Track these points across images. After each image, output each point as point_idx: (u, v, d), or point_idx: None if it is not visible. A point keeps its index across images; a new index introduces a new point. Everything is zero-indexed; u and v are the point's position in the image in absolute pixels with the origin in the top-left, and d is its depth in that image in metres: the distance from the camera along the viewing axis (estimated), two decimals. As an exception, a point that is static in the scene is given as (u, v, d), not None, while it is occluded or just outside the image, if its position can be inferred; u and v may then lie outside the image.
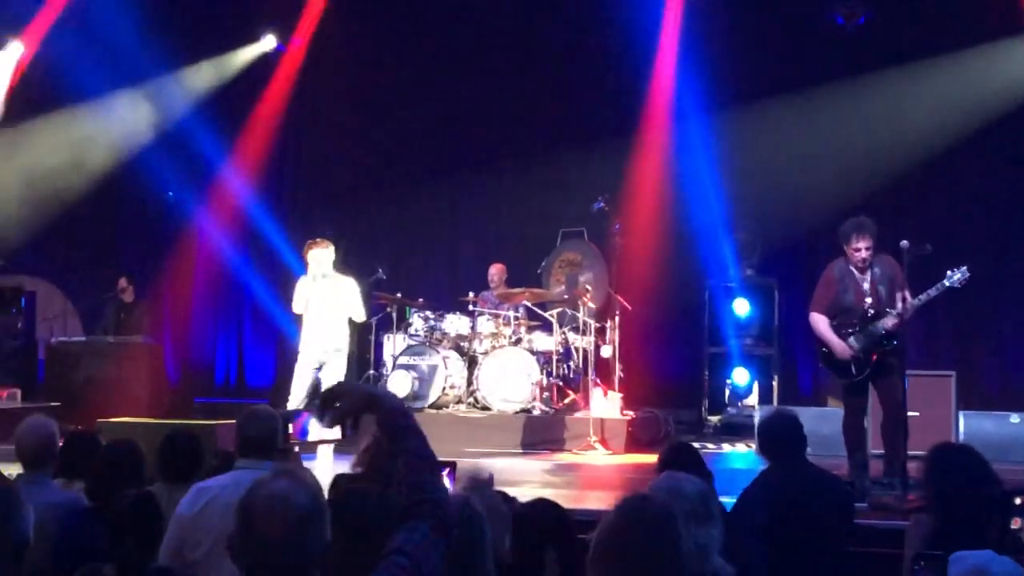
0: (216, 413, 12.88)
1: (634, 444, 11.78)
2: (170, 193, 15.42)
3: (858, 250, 8.35)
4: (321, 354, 10.23)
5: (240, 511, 2.65)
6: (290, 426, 3.03)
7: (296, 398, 10.20)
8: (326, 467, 8.70)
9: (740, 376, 13.54)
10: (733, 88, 13.59)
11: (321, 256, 10.28)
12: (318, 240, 10.50)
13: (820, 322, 8.55)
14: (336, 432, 2.97)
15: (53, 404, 12.57)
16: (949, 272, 8.14)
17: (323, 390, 3.03)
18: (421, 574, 2.70)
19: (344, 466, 6.08)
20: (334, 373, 10.22)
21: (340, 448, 8.94)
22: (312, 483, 2.70)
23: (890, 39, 13.43)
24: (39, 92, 15.03)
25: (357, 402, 2.97)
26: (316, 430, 4.88)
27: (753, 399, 13.52)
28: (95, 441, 5.92)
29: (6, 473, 5.83)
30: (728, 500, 5.62)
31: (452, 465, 5.47)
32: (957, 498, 4.62)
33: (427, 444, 2.93)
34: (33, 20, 14.89)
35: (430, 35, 15.06)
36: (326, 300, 10.24)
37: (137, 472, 5.19)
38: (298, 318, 10.59)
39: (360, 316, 10.53)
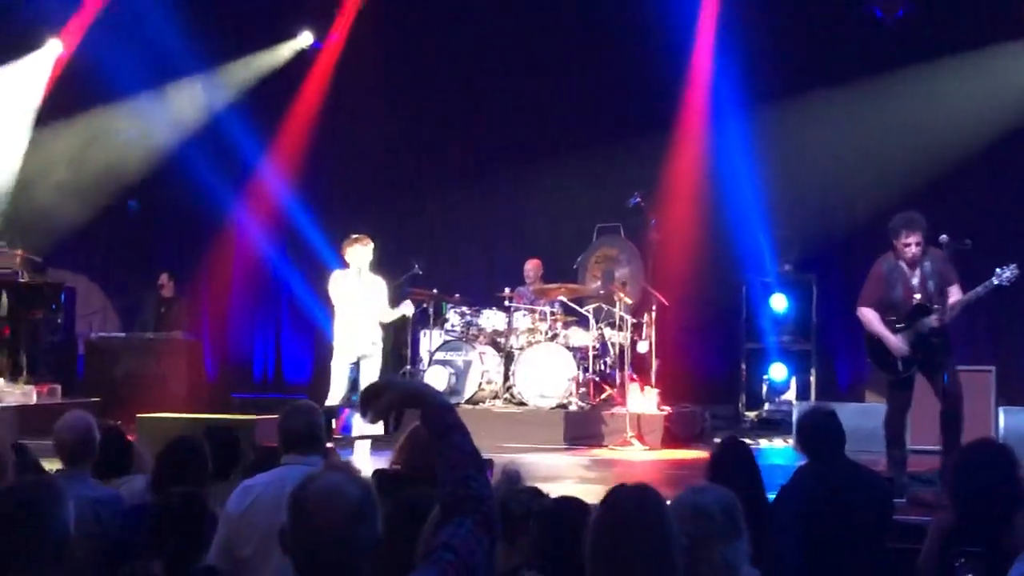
0: (254, 408, 12.94)
1: (671, 440, 11.74)
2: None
3: (908, 245, 8.27)
4: (359, 350, 10.31)
5: (293, 505, 2.65)
6: (333, 422, 3.02)
7: (336, 395, 10.23)
8: (364, 462, 8.72)
9: (778, 372, 13.49)
10: (770, 82, 13.51)
11: (363, 253, 10.44)
12: (360, 236, 10.59)
13: (871, 317, 8.45)
14: (379, 427, 2.96)
15: (93, 399, 12.66)
16: (998, 270, 8.03)
17: (366, 386, 3.02)
18: (468, 570, 2.69)
19: (382, 462, 6.10)
20: (373, 368, 10.29)
21: (378, 444, 8.98)
22: (363, 477, 2.70)
23: (929, 32, 13.32)
24: (78, 90, 15.15)
25: (400, 397, 2.96)
26: (359, 426, 4.91)
27: (791, 395, 13.47)
28: (124, 438, 5.96)
29: (46, 469, 5.89)
30: (771, 495, 5.61)
31: (489, 463, 5.46)
32: (976, 496, 4.59)
33: (471, 440, 2.92)
34: (72, 19, 15.01)
35: (465, 30, 15.06)
36: (365, 297, 10.34)
37: (200, 469, 5.21)
38: (331, 313, 10.65)
39: (387, 317, 10.68)
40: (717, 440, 7.41)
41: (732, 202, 13.67)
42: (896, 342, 8.27)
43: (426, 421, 2.93)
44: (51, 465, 6.05)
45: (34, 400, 11.79)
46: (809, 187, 13.35)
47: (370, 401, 2.96)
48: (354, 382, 10.31)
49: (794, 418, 11.50)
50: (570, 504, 4.19)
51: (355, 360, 10.36)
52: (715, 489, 3.73)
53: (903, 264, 8.35)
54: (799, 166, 13.43)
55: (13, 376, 11.89)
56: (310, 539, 2.60)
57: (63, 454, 5.37)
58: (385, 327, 14.12)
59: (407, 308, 10.90)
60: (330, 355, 10.50)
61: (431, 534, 2.81)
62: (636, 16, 13.83)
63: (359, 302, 10.40)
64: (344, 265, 10.65)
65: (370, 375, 10.40)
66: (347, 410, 9.24)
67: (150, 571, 4.07)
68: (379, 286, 10.58)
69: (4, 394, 11.59)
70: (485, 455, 2.97)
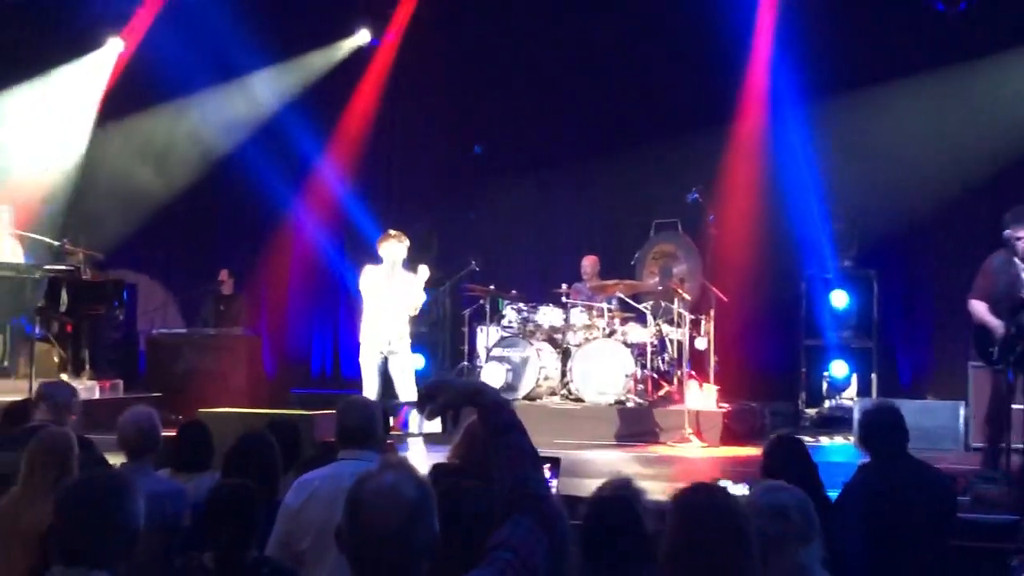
0: (312, 404, 13.01)
1: (730, 437, 11.67)
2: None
3: (1020, 239, 8.18)
4: (384, 345, 10.42)
5: (348, 503, 2.62)
6: (391, 419, 3.02)
7: (370, 390, 10.31)
8: (420, 458, 8.73)
9: (838, 368, 13.36)
10: (830, 75, 13.39)
11: (397, 249, 10.58)
12: (395, 232, 10.73)
13: (979, 308, 8.37)
14: (437, 425, 2.94)
15: (154, 395, 12.79)
16: None
17: (424, 384, 3.02)
18: (527, 569, 2.66)
19: (438, 457, 6.11)
20: (401, 363, 10.44)
21: (433, 440, 8.99)
22: (420, 475, 2.68)
23: (991, 25, 13.13)
24: (139, 88, 15.30)
25: (458, 395, 2.95)
26: (417, 423, 4.88)
27: (851, 392, 13.33)
28: (207, 432, 6.01)
29: (110, 463, 5.96)
30: (830, 493, 5.57)
31: (556, 461, 5.47)
32: None
33: (528, 438, 2.89)
34: (133, 18, 15.16)
35: (522, 25, 15.04)
36: (394, 293, 10.48)
37: (270, 464, 5.25)
38: (359, 307, 10.73)
39: (414, 308, 10.75)
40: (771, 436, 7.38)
41: (791, 197, 13.56)
42: (996, 323, 8.17)
43: (483, 419, 2.93)
44: (114, 459, 6.12)
45: (97, 395, 11.92)
46: (870, 182, 13.20)
47: (428, 399, 2.95)
48: (385, 376, 10.42)
49: (855, 415, 11.42)
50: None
51: (382, 355, 10.46)
52: (790, 489, 3.70)
53: (1017, 259, 8.24)
54: (860, 160, 13.30)
55: (76, 372, 12.02)
56: (366, 539, 2.57)
57: (127, 448, 5.43)
58: (441, 323, 14.25)
59: (423, 273, 10.88)
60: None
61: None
62: (695, 9, 13.76)
63: (386, 297, 10.51)
64: (378, 260, 10.65)
65: (399, 370, 10.52)
66: (406, 407, 9.28)
67: (202, 562, 4.11)
68: (412, 283, 10.65)
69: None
70: (550, 453, 2.96)
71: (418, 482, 2.65)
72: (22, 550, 4.61)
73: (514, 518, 2.74)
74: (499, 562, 2.65)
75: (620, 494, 4.00)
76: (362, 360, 10.58)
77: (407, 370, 10.61)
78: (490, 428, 2.89)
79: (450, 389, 2.96)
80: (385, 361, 10.47)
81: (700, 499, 3.12)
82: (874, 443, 5.72)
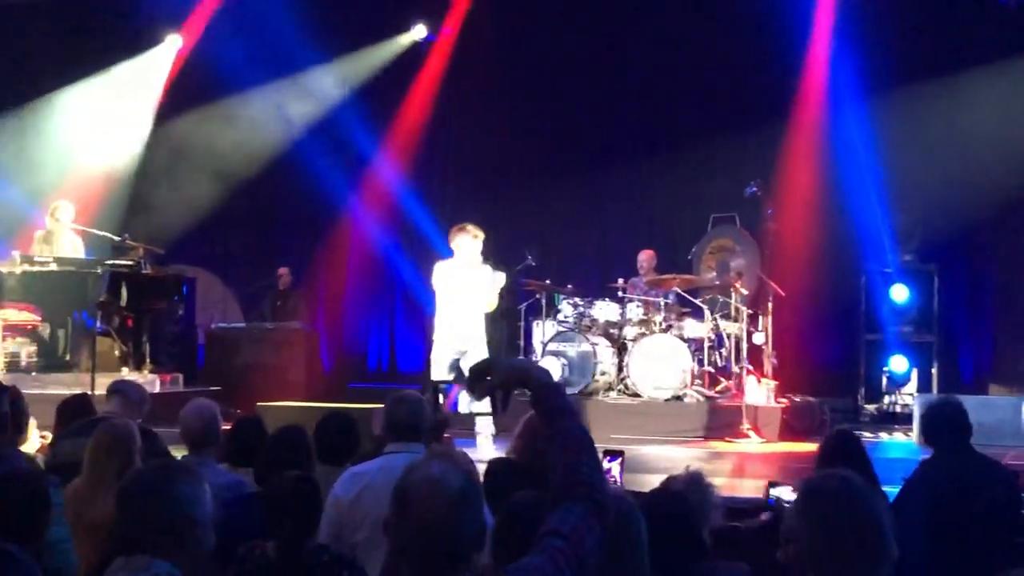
0: (369, 398, 13.06)
1: (788, 432, 11.59)
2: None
3: None
4: (460, 343, 10.10)
5: (395, 495, 2.61)
6: (441, 397, 3.01)
7: None
8: (486, 452, 8.70)
9: (898, 364, 13.21)
10: (890, 68, 13.26)
11: (469, 243, 10.23)
12: (466, 225, 10.38)
13: None
14: (487, 405, 2.89)
15: (213, 388, 12.90)
16: None
17: (474, 363, 2.98)
18: (577, 557, 2.62)
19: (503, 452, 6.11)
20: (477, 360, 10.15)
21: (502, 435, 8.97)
22: (466, 465, 2.67)
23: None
24: (197, 84, 15.45)
25: (509, 376, 2.88)
26: (466, 403, 4.83)
27: (911, 387, 13.19)
28: (261, 426, 6.06)
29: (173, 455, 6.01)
30: (889, 490, 5.51)
31: (621, 454, 5.44)
32: None
33: (582, 423, 2.82)
34: (192, 14, 15.30)
35: (579, 20, 15.01)
36: (470, 288, 10.18)
37: (306, 457, 5.28)
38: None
39: (491, 305, 10.46)
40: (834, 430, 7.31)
41: (851, 191, 13.46)
42: None
43: (535, 403, 2.86)
44: (177, 452, 6.18)
45: (157, 389, 12.03)
46: (931, 175, 13.07)
47: (477, 380, 2.90)
48: (459, 372, 10.19)
49: (915, 411, 11.30)
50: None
51: (458, 354, 10.07)
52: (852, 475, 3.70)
53: None
54: (921, 154, 13.17)
55: (137, 366, 12.14)
56: (413, 529, 2.56)
57: (189, 440, 5.48)
58: (498, 318, 14.22)
59: (500, 280, 10.54)
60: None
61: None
62: (753, 2, 13.70)
63: (462, 293, 10.18)
64: (451, 254, 10.52)
65: None
66: (456, 387, 9.17)
67: (264, 552, 4.14)
68: (487, 277, 10.33)
69: (128, 383, 11.83)
70: (618, 448, 2.93)
71: (464, 473, 2.63)
72: (88, 540, 4.66)
73: (566, 505, 2.68)
74: (550, 549, 2.61)
75: (690, 488, 4.03)
76: (435, 357, 10.21)
77: None
78: (541, 412, 2.83)
79: (500, 369, 2.90)
80: (457, 361, 10.07)
81: (831, 485, 3.07)
82: (937, 438, 5.68)
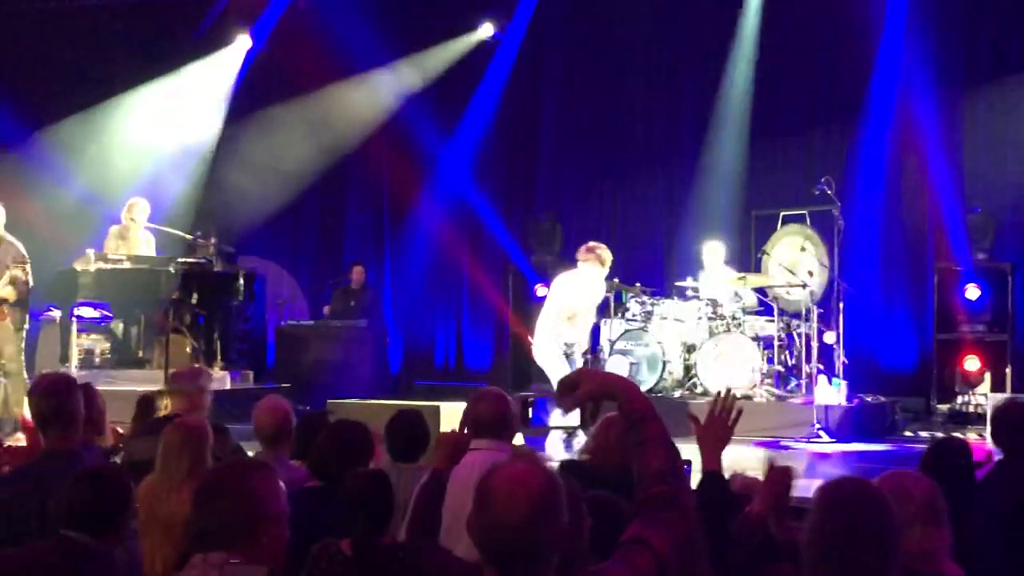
0: (436, 395, 13.10)
1: (859, 432, 11.46)
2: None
3: None
4: (565, 347, 10.31)
5: (477, 493, 2.64)
6: (530, 411, 3.03)
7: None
8: (557, 454, 8.69)
9: (971, 363, 13.02)
10: (965, 63, 13.09)
11: (597, 271, 10.63)
12: (603, 254, 10.68)
13: None
14: (575, 418, 2.91)
15: (283, 385, 13.00)
16: None
17: (562, 376, 3.00)
18: (660, 566, 2.64)
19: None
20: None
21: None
22: (550, 467, 2.67)
23: None
24: (267, 84, 15.59)
25: (597, 388, 2.91)
26: (555, 416, 4.79)
27: (985, 387, 12.99)
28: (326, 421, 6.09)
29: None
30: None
31: (689, 463, 5.41)
32: None
33: (667, 433, 2.85)
34: (261, 15, 15.43)
35: (647, 17, 14.94)
36: (588, 310, 10.50)
37: (365, 452, 5.29)
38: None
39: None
40: (939, 435, 7.24)
41: (923, 188, 13.30)
42: None
43: (623, 413, 2.89)
44: (248, 448, 6.23)
45: (228, 386, 12.16)
46: (1006, 172, 12.87)
47: (566, 392, 2.92)
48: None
49: (988, 412, 11.13)
50: None
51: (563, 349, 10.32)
52: (918, 476, 3.66)
53: None
54: (996, 151, 12.98)
55: (208, 362, 12.26)
56: (494, 529, 2.58)
57: (262, 437, 5.52)
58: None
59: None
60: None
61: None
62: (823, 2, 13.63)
63: (578, 309, 10.51)
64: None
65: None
66: (544, 399, 9.20)
67: (340, 550, 4.16)
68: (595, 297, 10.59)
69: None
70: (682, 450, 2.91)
71: (547, 474, 2.64)
72: (161, 537, 4.70)
73: (650, 511, 2.72)
74: (633, 555, 2.64)
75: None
76: (546, 353, 10.46)
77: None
78: (628, 421, 2.85)
79: (589, 381, 2.92)
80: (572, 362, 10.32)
81: (847, 490, 3.07)
82: (1011, 439, 5.57)
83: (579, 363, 10.40)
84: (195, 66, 15.60)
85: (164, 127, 15.39)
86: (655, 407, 2.92)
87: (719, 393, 3.95)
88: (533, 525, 2.55)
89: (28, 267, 10.70)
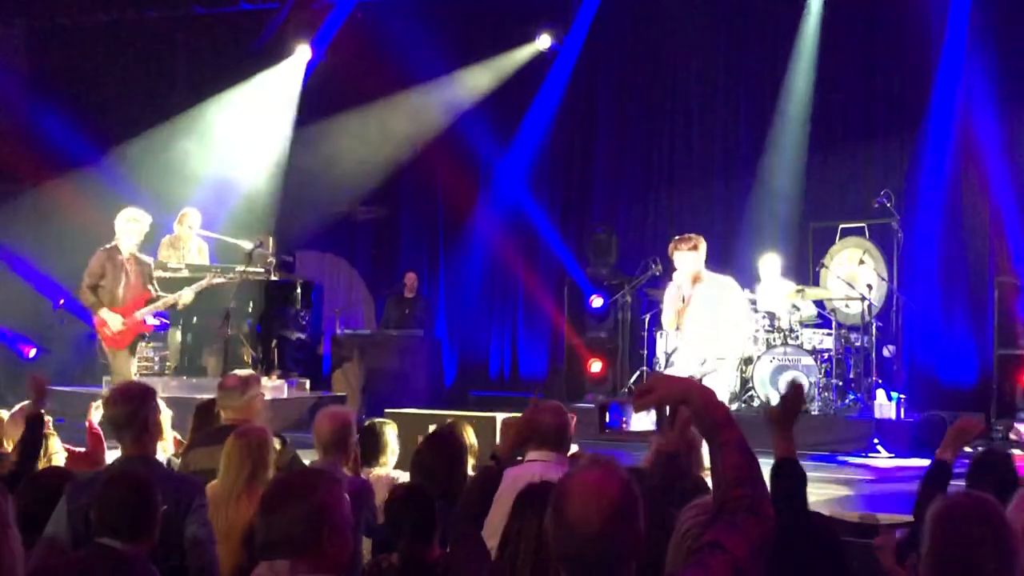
0: (491, 406, 13.12)
1: (918, 448, 11.34)
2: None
3: None
4: (696, 367, 9.25)
5: (554, 498, 2.64)
6: (606, 415, 3.03)
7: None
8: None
9: (1031, 380, 12.85)
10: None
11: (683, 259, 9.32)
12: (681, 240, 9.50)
13: None
14: (651, 422, 2.92)
15: (338, 395, 13.08)
16: None
17: (639, 380, 3.03)
18: (739, 569, 2.63)
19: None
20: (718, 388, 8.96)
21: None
22: (627, 474, 2.68)
23: None
24: (326, 95, 15.70)
25: (673, 392, 2.89)
26: (632, 420, 4.70)
27: (1047, 404, 12.82)
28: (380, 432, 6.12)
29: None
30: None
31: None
32: None
33: (744, 439, 2.82)
34: (321, 26, 15.55)
35: (704, 28, 14.91)
36: (702, 306, 9.28)
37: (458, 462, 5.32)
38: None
39: (743, 325, 9.73)
40: (980, 448, 7.15)
41: (983, 201, 13.17)
42: None
43: (697, 418, 2.86)
44: (305, 456, 6.27)
45: (285, 394, 12.23)
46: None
47: (641, 395, 2.91)
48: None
49: (1051, 428, 11.01)
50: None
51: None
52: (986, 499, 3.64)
53: None
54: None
55: (266, 371, 12.34)
56: (569, 535, 2.58)
57: (321, 445, 5.56)
58: (620, 328, 14.12)
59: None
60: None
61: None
62: (884, 8, 13.50)
63: (696, 315, 9.37)
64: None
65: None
66: (620, 403, 9.01)
67: (391, 562, 4.18)
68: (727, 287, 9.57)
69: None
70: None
71: (624, 481, 2.64)
72: (224, 546, 4.74)
73: (727, 516, 2.71)
74: (711, 560, 2.64)
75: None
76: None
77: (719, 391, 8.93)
78: (703, 429, 2.84)
79: (664, 385, 2.91)
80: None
81: (964, 509, 3.09)
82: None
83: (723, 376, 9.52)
84: (258, 78, 15.74)
85: (229, 138, 15.53)
86: (728, 412, 2.90)
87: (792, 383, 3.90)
88: (608, 533, 2.56)
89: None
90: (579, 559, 2.58)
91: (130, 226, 10.81)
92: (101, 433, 6.66)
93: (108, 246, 10.90)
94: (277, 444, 5.48)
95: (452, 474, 5.10)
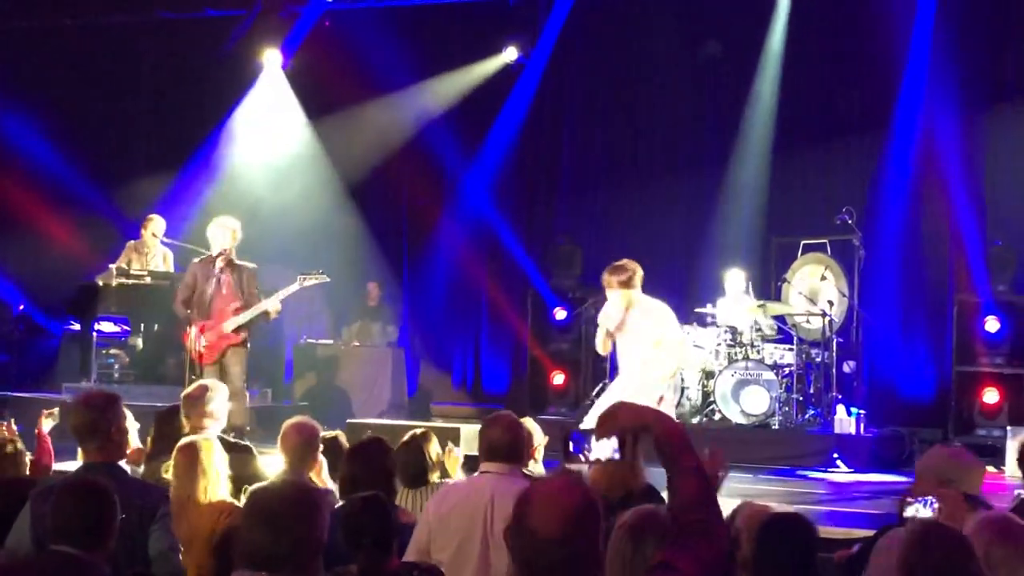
0: (452, 417, 13.12)
1: (876, 463, 11.46)
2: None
3: None
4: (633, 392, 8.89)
5: (517, 504, 2.71)
6: (570, 443, 3.09)
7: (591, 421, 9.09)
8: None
9: (990, 396, 12.96)
10: (989, 88, 13.07)
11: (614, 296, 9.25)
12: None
13: None
14: (611, 449, 3.00)
15: (300, 404, 13.02)
16: None
17: (603, 408, 3.09)
18: None
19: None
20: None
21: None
22: (590, 488, 2.73)
23: None
24: (291, 103, 15.65)
25: (633, 420, 2.97)
26: (594, 447, 4.63)
27: (1003, 421, 12.94)
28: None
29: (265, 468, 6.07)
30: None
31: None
32: None
33: (702, 464, 2.93)
34: (286, 35, 15.49)
35: (668, 42, 14.95)
36: (638, 331, 9.18)
37: (385, 475, 5.30)
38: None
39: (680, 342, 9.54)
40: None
41: (944, 218, 13.29)
42: None
43: (657, 444, 2.95)
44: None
45: (247, 404, 12.13)
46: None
47: (603, 422, 2.99)
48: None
49: (1008, 445, 11.09)
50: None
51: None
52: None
53: None
54: (1018, 182, 12.95)
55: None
56: (530, 541, 2.65)
57: (289, 456, 5.55)
58: (583, 341, 14.13)
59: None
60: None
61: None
62: (848, 28, 13.61)
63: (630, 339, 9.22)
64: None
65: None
66: (580, 431, 8.92)
67: (351, 574, 4.18)
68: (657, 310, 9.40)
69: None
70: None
71: (586, 491, 2.73)
72: (186, 552, 4.73)
73: (682, 538, 2.78)
74: None
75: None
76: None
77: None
78: (662, 455, 2.92)
79: (625, 413, 2.99)
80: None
81: (936, 537, 3.20)
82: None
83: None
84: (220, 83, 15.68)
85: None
86: (687, 439, 2.97)
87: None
88: (567, 539, 2.62)
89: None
90: (538, 565, 2.64)
91: (216, 232, 10.29)
92: (49, 441, 6.64)
93: (202, 256, 10.53)
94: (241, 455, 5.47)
95: (382, 486, 5.06)
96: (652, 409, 3.14)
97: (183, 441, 5.31)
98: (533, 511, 2.65)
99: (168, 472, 5.28)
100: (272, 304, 10.35)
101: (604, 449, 2.96)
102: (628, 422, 2.96)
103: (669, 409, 9.17)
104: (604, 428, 2.96)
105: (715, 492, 2.96)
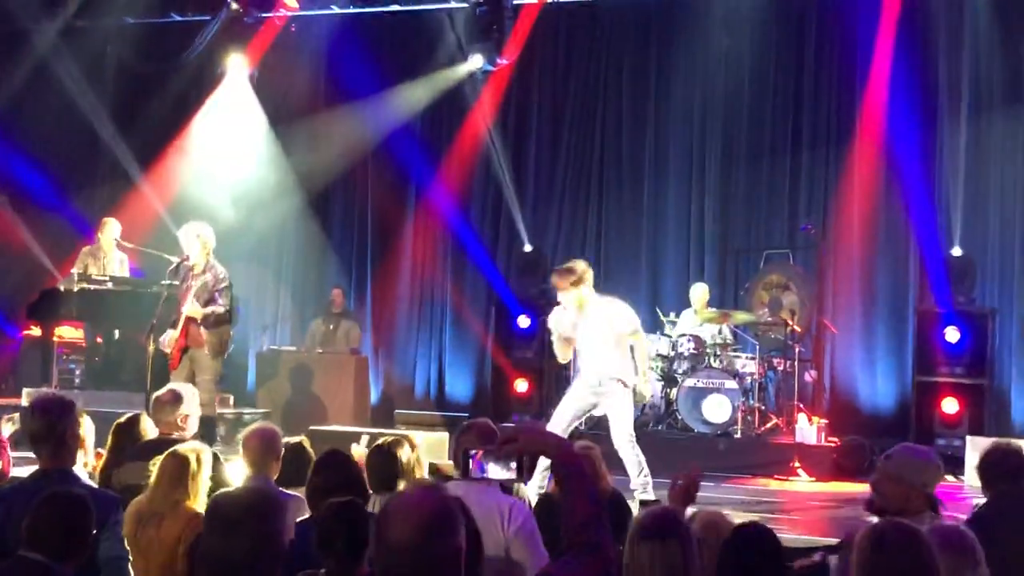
0: (416, 425, 13.11)
1: (838, 472, 11.51)
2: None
3: None
4: (592, 394, 9.07)
5: (376, 517, 2.80)
6: (470, 463, 3.21)
7: (556, 423, 9.00)
8: (535, 488, 8.60)
9: (949, 406, 13.06)
10: (948, 100, 13.19)
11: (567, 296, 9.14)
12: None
13: None
14: (507, 470, 3.14)
15: (262, 411, 12.97)
16: None
17: (504, 430, 3.25)
18: None
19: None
20: (615, 410, 9.03)
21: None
22: (448, 494, 2.81)
23: None
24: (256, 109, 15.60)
25: (533, 444, 3.18)
26: (492, 468, 4.56)
27: (963, 430, 13.04)
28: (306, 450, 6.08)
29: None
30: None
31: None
32: None
33: (594, 487, 3.15)
34: (252, 40, 15.43)
35: (635, 52, 15.03)
36: (595, 330, 9.10)
37: (355, 481, 5.30)
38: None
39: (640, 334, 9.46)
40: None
41: (906, 230, 13.39)
42: None
43: (554, 467, 3.20)
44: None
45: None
46: (994, 213, 12.97)
47: (504, 443, 3.16)
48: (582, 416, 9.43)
49: (967, 454, 11.19)
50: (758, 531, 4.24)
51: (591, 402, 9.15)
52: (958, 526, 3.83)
53: None
54: (981, 193, 13.07)
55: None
56: (386, 550, 2.70)
57: (252, 463, 5.53)
58: (547, 348, 14.14)
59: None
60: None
61: None
62: (810, 30, 13.71)
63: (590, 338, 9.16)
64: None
65: (615, 417, 9.01)
66: (481, 452, 8.87)
67: (318, 578, 4.18)
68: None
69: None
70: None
71: (441, 499, 2.78)
72: (143, 563, 4.71)
73: (568, 556, 2.99)
74: None
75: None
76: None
77: (618, 413, 9.00)
78: (558, 476, 3.16)
79: (525, 436, 3.17)
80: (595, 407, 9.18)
81: (893, 534, 3.30)
82: (993, 482, 5.64)
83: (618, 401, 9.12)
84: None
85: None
86: (583, 463, 3.17)
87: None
88: (421, 545, 2.67)
89: (227, 291, 10.49)
90: (391, 570, 2.69)
91: (182, 237, 10.43)
92: (8, 447, 6.60)
93: (174, 264, 10.61)
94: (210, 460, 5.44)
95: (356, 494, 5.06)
96: (554, 435, 3.36)
97: (178, 448, 5.28)
98: (389, 520, 2.71)
99: (129, 479, 5.25)
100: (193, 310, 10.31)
101: (498, 471, 3.10)
102: (528, 446, 3.16)
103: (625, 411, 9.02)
104: (503, 449, 3.14)
105: (606, 513, 3.11)
